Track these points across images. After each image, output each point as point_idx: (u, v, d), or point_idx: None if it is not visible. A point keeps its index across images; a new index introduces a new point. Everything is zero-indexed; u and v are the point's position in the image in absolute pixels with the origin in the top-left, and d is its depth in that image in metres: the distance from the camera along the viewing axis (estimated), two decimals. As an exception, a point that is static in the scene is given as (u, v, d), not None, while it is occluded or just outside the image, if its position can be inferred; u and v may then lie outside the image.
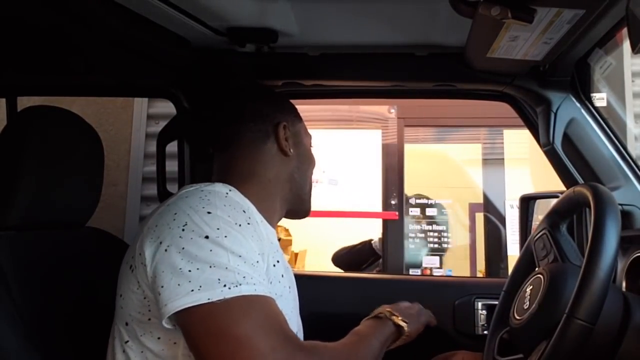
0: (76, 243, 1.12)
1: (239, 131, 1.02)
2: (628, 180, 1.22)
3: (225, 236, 0.81)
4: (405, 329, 1.01)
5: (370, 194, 2.92)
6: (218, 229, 0.81)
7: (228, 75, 1.33)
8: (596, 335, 0.74)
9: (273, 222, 1.03)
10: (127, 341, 0.86)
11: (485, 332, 1.38)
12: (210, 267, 0.78)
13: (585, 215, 1.20)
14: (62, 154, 1.06)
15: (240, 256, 0.80)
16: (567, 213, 1.00)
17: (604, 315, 0.74)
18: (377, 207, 2.87)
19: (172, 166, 1.46)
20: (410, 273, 2.76)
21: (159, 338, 0.84)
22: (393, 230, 2.78)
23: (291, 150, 1.04)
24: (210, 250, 0.79)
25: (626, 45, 0.88)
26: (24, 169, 1.00)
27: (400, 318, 1.01)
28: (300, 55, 1.32)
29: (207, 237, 0.80)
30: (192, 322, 0.78)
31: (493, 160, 3.06)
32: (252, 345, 0.75)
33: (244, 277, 0.79)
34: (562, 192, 1.03)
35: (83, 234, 1.15)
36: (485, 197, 3.02)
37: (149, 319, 0.84)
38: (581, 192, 0.89)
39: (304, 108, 1.13)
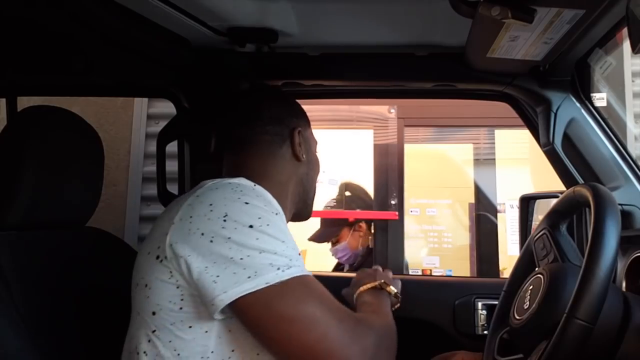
0: (76, 243, 1.12)
1: (257, 133, 1.04)
2: (628, 180, 1.22)
3: (268, 224, 0.83)
4: (399, 300, 1.07)
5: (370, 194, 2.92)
6: (259, 218, 0.83)
7: (228, 75, 1.33)
8: (596, 336, 0.74)
9: None
10: (154, 330, 0.86)
11: (486, 332, 1.38)
12: (260, 253, 0.81)
13: (585, 215, 1.20)
14: (62, 154, 1.06)
15: (283, 242, 0.84)
16: (567, 213, 1.00)
17: (604, 316, 0.74)
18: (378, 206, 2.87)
19: (172, 166, 1.46)
20: (410, 273, 2.77)
21: (190, 327, 0.84)
22: (393, 230, 2.78)
23: (303, 156, 1.07)
24: (257, 239, 0.82)
25: (626, 45, 0.88)
26: (24, 169, 1.00)
27: (395, 291, 1.07)
28: (300, 55, 1.32)
29: (251, 226, 0.82)
30: (254, 308, 0.80)
31: (488, 160, 3.08)
32: (321, 322, 0.80)
33: (291, 259, 0.83)
34: (562, 192, 1.03)
35: (83, 234, 1.15)
36: (483, 197, 3.03)
37: (181, 308, 0.84)
38: (581, 192, 0.89)
39: (305, 108, 1.14)
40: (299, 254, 0.94)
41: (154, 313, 0.86)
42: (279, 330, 0.80)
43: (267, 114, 1.05)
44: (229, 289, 0.79)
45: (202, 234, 0.82)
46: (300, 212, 1.11)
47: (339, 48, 1.30)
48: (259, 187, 0.93)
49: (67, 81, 1.49)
